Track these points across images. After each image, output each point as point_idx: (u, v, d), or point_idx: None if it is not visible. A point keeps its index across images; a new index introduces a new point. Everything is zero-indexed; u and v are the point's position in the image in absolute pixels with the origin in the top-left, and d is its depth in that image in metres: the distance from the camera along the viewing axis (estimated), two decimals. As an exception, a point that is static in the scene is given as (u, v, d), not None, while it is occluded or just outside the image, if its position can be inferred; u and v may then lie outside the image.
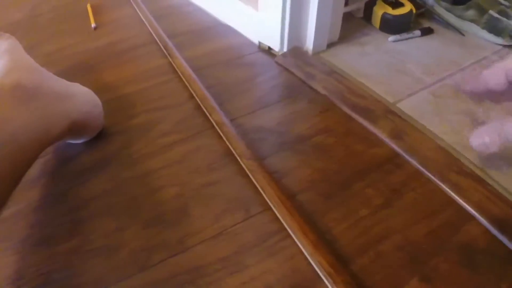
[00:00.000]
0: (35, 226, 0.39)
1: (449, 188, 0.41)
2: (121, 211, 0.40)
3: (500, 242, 0.36)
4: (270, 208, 0.39)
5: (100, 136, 0.49)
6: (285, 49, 0.63)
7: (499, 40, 0.68)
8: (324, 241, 0.36)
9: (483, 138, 0.34)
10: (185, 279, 0.34)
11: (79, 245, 0.37)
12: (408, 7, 0.69)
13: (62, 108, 0.40)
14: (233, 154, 0.45)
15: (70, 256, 0.36)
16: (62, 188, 0.43)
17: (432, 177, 0.42)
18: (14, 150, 0.32)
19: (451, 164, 0.43)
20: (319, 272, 0.33)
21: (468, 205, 0.39)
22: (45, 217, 0.40)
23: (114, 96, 0.57)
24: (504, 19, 0.66)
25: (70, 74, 0.47)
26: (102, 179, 0.44)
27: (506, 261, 0.35)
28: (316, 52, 0.65)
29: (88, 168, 0.45)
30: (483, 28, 0.69)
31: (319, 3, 0.58)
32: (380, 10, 0.70)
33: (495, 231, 0.37)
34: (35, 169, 0.45)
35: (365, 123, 0.50)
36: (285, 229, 0.37)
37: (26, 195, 0.42)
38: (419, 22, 0.75)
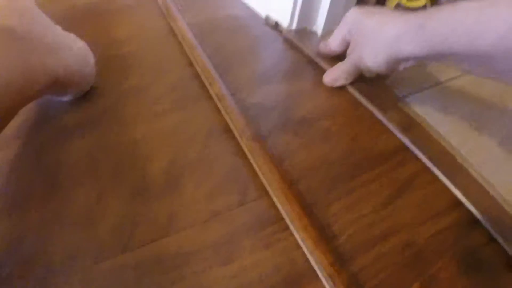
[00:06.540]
0: (7, 188, 0.32)
1: (458, 189, 0.36)
2: (105, 179, 0.33)
3: (506, 252, 0.32)
4: (268, 195, 0.33)
5: (88, 96, 0.42)
6: (294, 27, 0.56)
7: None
8: (325, 237, 0.31)
9: (333, 75, 0.46)
10: (171, 265, 0.28)
11: (55, 212, 0.30)
12: (423, 1, 0.63)
13: (49, 61, 0.33)
14: (231, 131, 0.39)
15: (44, 224, 0.30)
16: (40, 149, 0.36)
17: (441, 176, 0.37)
18: None
19: (457, 166, 0.39)
20: (318, 272, 0.28)
21: (477, 210, 0.34)
22: (19, 180, 0.33)
23: (105, 55, 0.49)
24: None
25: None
26: (85, 142, 0.37)
27: (510, 273, 0.30)
28: (325, 35, 0.58)
29: (71, 129, 0.38)
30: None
31: (335, -18, 0.51)
32: (394, 0, 0.63)
33: (501, 241, 0.32)
34: (11, 127, 0.37)
35: (374, 110, 0.44)
36: (283, 219, 0.31)
37: (-2, 155, 0.35)
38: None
